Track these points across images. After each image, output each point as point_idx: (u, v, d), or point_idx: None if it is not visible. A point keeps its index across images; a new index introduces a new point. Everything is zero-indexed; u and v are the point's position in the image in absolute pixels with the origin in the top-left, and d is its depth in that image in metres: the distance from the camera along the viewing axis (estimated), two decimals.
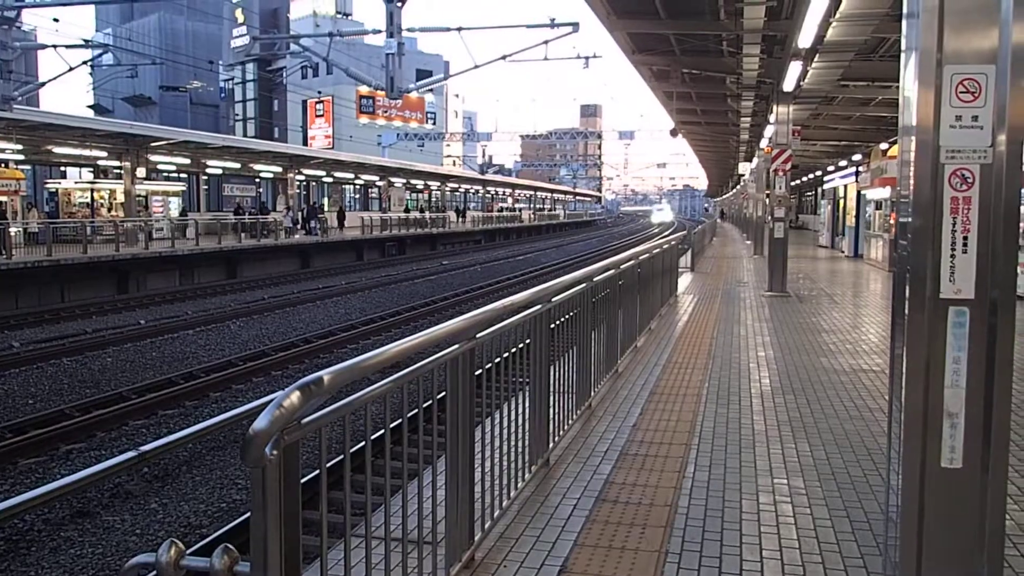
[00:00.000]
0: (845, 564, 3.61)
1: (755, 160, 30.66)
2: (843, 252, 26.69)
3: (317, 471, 6.44)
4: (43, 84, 24.38)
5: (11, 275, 21.02)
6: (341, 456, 7.21)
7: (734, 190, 61.55)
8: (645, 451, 5.25)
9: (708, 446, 5.38)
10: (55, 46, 21.19)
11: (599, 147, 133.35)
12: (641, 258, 8.90)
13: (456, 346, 3.16)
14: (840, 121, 25.19)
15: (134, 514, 7.33)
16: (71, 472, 7.66)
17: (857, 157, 28.90)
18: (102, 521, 7.15)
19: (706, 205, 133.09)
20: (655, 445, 5.38)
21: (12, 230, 22.74)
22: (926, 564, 2.54)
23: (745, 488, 4.59)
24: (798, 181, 50.89)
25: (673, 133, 26.70)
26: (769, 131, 17.92)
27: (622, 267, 7.46)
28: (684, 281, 16.76)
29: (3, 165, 28.89)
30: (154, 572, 1.86)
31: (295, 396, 1.87)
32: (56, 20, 37.11)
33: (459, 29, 18.84)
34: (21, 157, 28.80)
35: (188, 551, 1.91)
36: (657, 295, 11.13)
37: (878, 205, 21.30)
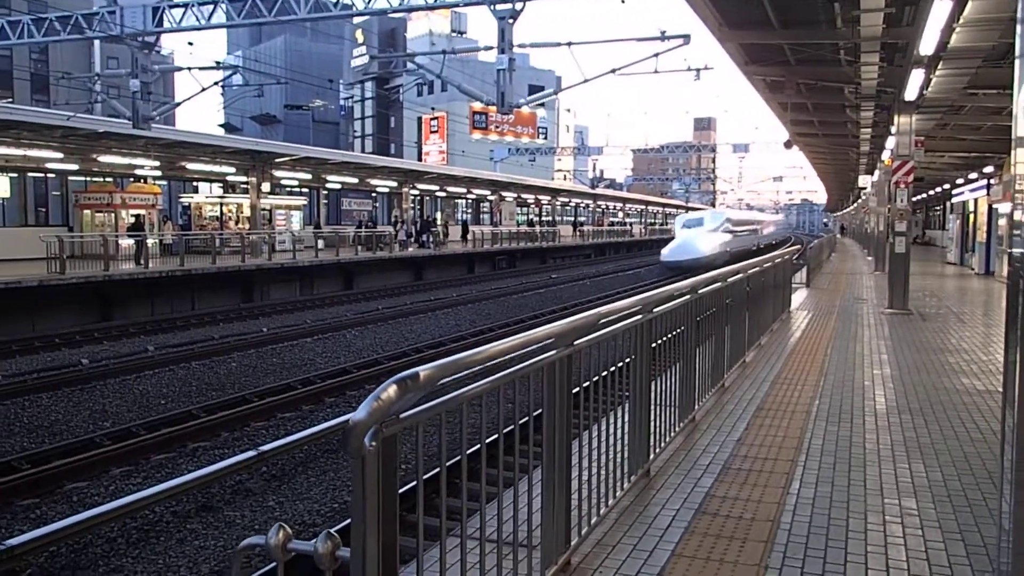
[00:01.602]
0: None
1: (876, 173, 29.47)
2: (973, 269, 25.31)
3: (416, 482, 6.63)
4: (178, 104, 25.98)
5: (148, 284, 22.42)
6: (438, 467, 7.37)
7: (855, 204, 59.28)
8: (749, 466, 5.16)
9: (815, 463, 5.24)
10: (189, 68, 22.53)
11: (713, 160, 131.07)
12: (750, 272, 8.74)
13: (554, 352, 3.22)
14: (969, 131, 23.89)
15: (253, 510, 7.71)
16: (197, 468, 8.11)
17: (989, 169, 27.36)
18: (224, 516, 7.55)
19: (825, 220, 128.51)
20: (760, 460, 5.28)
21: (149, 242, 24.25)
22: None
23: (853, 507, 4.46)
24: (924, 195, 48.55)
25: (787, 145, 25.98)
26: (891, 142, 17.24)
27: (729, 280, 7.36)
28: (799, 297, 16.31)
29: (142, 180, 30.85)
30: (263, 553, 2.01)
31: (392, 389, 1.98)
32: (191, 44, 39.64)
33: (569, 44, 18.93)
34: (158, 173, 30.70)
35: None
36: (768, 310, 10.89)
37: None
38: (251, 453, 8.26)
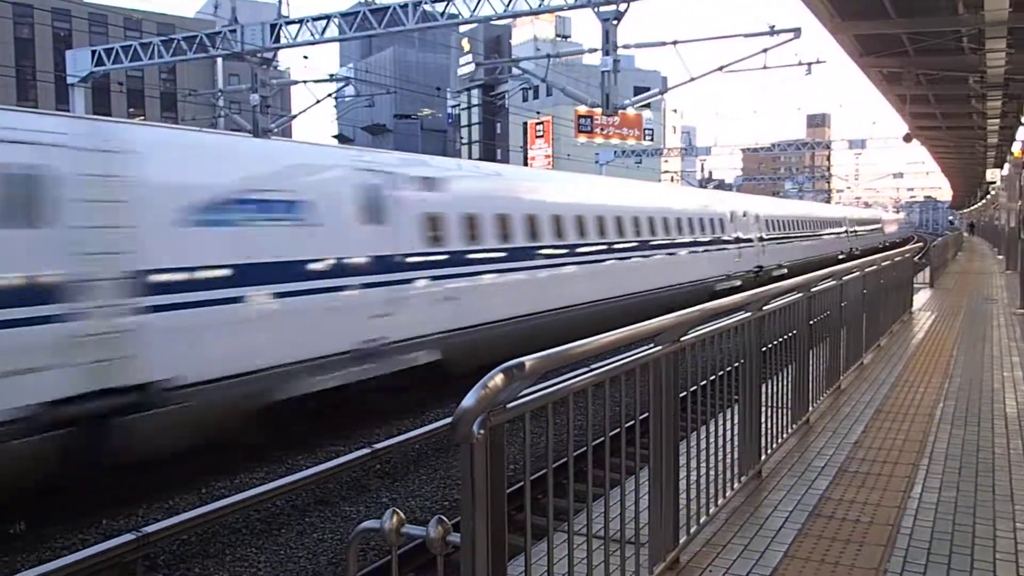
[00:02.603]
0: None
1: (1006, 166, 27.85)
2: None
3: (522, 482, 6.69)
4: (294, 116, 26.99)
5: None
6: (543, 466, 7.40)
7: (983, 200, 56.13)
8: (867, 469, 4.99)
9: (939, 467, 5.02)
10: (305, 82, 23.45)
11: (827, 158, 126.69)
12: (867, 271, 8.44)
13: (659, 348, 3.21)
14: None
15: (368, 506, 7.95)
16: (315, 464, 8.43)
17: None
18: (340, 510, 7.83)
19: (950, 217, 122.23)
20: (878, 463, 5.10)
21: None
22: None
23: (980, 513, 4.25)
24: None
25: (907, 139, 24.82)
26: (1021, 133, 16.28)
27: (844, 279, 7.13)
28: (921, 297, 15.60)
29: None
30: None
31: (499, 378, 2.04)
32: (306, 58, 41.29)
33: (674, 43, 18.71)
34: None
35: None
36: (888, 311, 10.47)
37: None
38: (365, 450, 8.57)
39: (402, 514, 2.14)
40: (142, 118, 48.34)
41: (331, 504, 7.97)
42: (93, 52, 23.39)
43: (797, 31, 17.87)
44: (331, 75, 24.96)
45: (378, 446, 8.67)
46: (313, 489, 8.05)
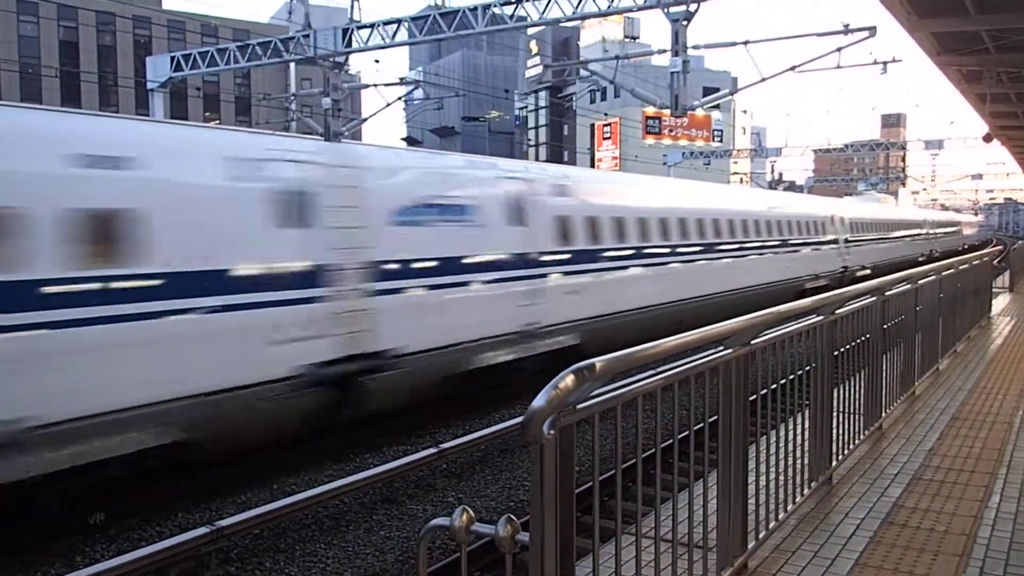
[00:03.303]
0: None
1: None
2: None
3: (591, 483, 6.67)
4: (365, 120, 27.33)
5: None
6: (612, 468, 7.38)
7: None
8: (942, 477, 4.87)
9: (1018, 476, 4.87)
10: (375, 85, 23.74)
11: (902, 159, 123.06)
12: (943, 274, 8.20)
13: (730, 351, 3.20)
14: None
15: (434, 505, 8.05)
16: (382, 463, 8.58)
17: None
18: (407, 509, 7.95)
19: None
20: (954, 472, 4.97)
21: None
22: None
23: None
24: None
25: (987, 139, 23.95)
26: None
27: (920, 282, 6.95)
28: (1001, 302, 15.07)
29: None
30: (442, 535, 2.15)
31: (569, 379, 2.07)
32: (377, 61, 41.86)
33: (745, 43, 18.39)
34: None
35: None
36: (965, 316, 10.15)
37: None
38: (432, 450, 8.68)
39: (471, 512, 2.19)
40: (218, 122, 49.75)
41: (398, 503, 8.10)
42: (172, 58, 24.13)
43: (872, 29, 17.38)
44: (401, 78, 25.27)
45: (445, 446, 8.77)
46: (380, 487, 8.19)
